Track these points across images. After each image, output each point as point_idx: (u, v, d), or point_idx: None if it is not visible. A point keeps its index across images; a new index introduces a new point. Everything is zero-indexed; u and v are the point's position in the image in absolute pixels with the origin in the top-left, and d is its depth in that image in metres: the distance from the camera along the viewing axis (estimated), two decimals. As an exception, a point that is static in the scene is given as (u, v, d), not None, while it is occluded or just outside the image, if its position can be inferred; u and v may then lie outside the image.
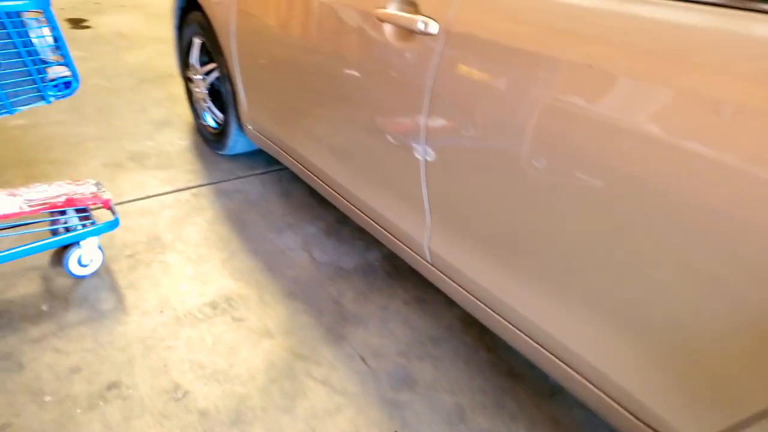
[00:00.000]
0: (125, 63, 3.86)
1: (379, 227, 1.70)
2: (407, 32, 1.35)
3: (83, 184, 1.92)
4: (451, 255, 1.44)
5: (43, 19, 1.51)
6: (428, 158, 1.37)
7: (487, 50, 1.17)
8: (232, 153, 2.64)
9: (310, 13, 1.68)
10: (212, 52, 2.38)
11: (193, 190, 2.38)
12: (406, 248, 1.61)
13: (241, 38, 2.09)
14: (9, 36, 1.45)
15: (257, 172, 2.58)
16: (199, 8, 2.47)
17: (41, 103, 1.56)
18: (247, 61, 2.11)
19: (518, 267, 1.25)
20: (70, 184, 1.89)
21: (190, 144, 2.77)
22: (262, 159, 2.69)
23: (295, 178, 2.55)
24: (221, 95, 2.49)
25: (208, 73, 2.50)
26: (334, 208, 2.35)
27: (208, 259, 1.97)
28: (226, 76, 2.33)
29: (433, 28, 1.27)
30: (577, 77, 1.01)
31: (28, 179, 2.33)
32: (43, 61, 1.54)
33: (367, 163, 1.62)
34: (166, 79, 3.62)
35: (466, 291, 1.45)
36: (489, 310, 1.40)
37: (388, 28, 1.40)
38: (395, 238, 1.64)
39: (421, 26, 1.29)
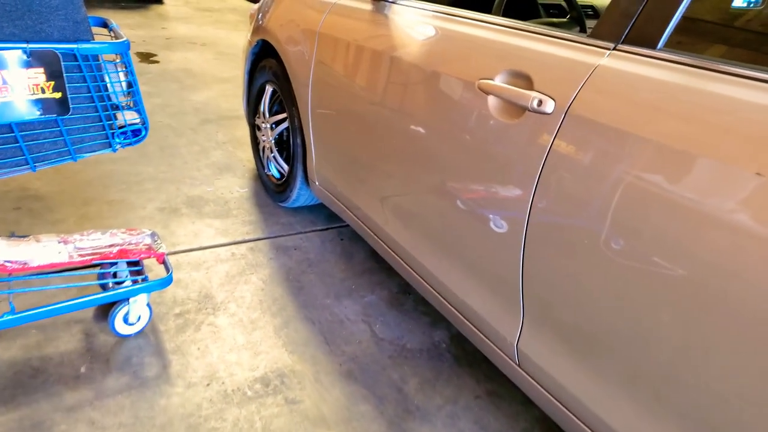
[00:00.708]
0: (190, 101, 3.85)
1: (453, 309, 1.51)
2: (516, 108, 1.19)
3: (138, 234, 1.80)
4: (547, 359, 1.23)
5: (120, 63, 1.41)
6: (530, 245, 1.18)
7: (612, 137, 0.99)
8: (294, 206, 2.51)
9: (398, 74, 1.55)
10: (284, 101, 2.28)
11: (250, 244, 2.24)
12: (487, 341, 1.40)
13: (318, 91, 1.97)
14: (84, 79, 1.35)
15: (318, 227, 2.43)
16: (274, 55, 2.39)
17: (107, 151, 1.46)
18: (322, 115, 1.99)
19: (625, 379, 1.03)
20: (124, 233, 1.77)
21: (250, 192, 2.66)
22: (323, 214, 2.55)
23: (357, 237, 2.39)
24: (288, 146, 2.38)
25: (277, 123, 2.40)
26: (398, 275, 2.17)
27: (262, 326, 1.81)
28: (297, 128, 2.21)
29: (549, 106, 1.10)
30: (732, 183, 0.82)
31: (82, 219, 2.24)
32: (115, 107, 1.44)
33: (449, 238, 1.44)
34: (230, 120, 3.57)
35: (559, 401, 1.23)
36: (583, 425, 1.17)
37: (492, 101, 1.24)
38: (473, 325, 1.44)
39: (534, 104, 1.12)
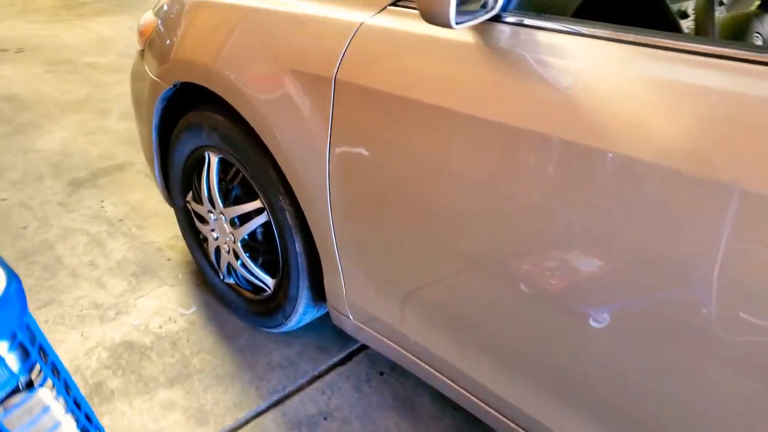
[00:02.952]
0: (38, 152, 2.65)
1: None
2: None
3: None
4: None
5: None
6: None
7: None
8: (290, 330, 1.64)
9: (595, 177, 0.77)
10: (256, 184, 1.38)
11: (251, 429, 1.37)
12: None
13: (351, 183, 1.12)
14: None
15: (335, 358, 1.59)
16: (212, 100, 1.45)
17: None
18: (364, 215, 1.14)
19: None
20: None
21: (202, 312, 1.72)
22: (327, 327, 1.69)
23: (397, 368, 1.59)
24: (271, 248, 1.49)
25: (244, 216, 1.48)
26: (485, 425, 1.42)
27: None
28: (292, 228, 1.33)
29: None
30: None
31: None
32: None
33: None
34: (111, 175, 2.47)
35: None
36: None
37: None
38: None
39: None
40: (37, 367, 0.56)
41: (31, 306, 1.70)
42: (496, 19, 0.90)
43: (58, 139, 2.78)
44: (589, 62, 0.81)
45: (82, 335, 1.60)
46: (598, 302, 0.83)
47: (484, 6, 0.82)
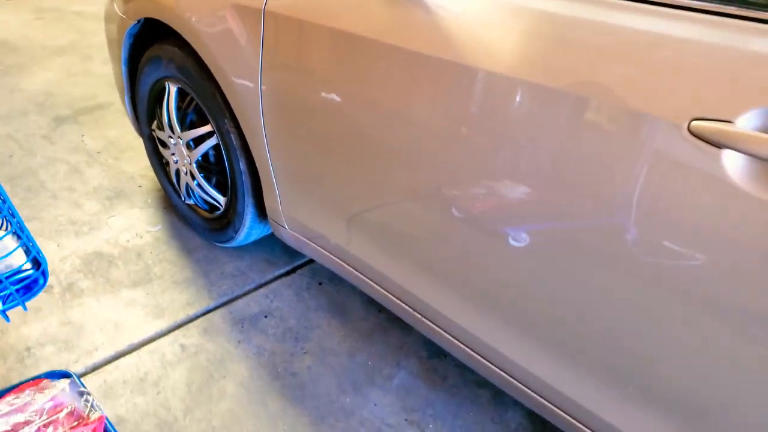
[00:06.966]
0: (24, 91, 2.82)
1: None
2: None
3: (47, 388, 1.11)
4: None
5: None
6: None
7: None
8: (241, 245, 1.84)
9: (472, 93, 0.95)
10: (206, 109, 1.56)
11: (201, 322, 1.58)
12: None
13: (280, 104, 1.30)
14: None
15: (280, 269, 1.80)
16: (172, 36, 1.62)
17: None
18: (291, 136, 1.33)
19: None
20: (16, 397, 1.07)
21: (166, 230, 1.92)
22: (277, 245, 1.90)
23: (335, 276, 1.80)
24: (221, 168, 1.68)
25: (198, 138, 1.67)
26: (412, 327, 1.65)
27: (275, 472, 1.22)
28: (237, 148, 1.52)
29: None
30: None
31: (-75, 343, 1.43)
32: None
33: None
34: (92, 114, 2.65)
35: None
36: None
37: (736, 161, 0.72)
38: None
39: None
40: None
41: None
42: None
43: (43, 80, 2.95)
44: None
45: (58, 245, 1.81)
46: (516, 223, 0.96)
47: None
